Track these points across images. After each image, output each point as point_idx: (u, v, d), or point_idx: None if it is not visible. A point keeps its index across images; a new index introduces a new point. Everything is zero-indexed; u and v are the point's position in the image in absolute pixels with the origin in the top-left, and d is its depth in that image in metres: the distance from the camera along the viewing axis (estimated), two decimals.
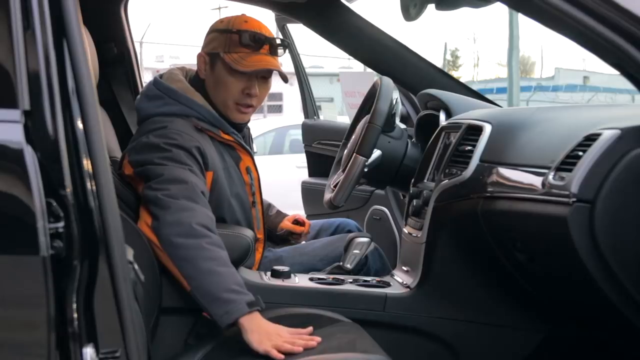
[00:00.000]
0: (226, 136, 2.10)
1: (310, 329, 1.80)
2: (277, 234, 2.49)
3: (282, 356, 1.69)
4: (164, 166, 1.93)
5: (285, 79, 2.13)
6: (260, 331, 1.74)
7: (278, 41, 2.12)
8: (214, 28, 2.14)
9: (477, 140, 1.93)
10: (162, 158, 1.94)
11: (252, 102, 2.11)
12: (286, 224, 2.50)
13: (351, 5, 2.80)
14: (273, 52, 2.11)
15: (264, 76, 2.12)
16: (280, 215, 2.53)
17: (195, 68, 2.20)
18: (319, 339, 1.74)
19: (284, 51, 2.15)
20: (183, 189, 1.89)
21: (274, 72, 2.12)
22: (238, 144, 2.13)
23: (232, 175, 2.10)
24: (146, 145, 1.98)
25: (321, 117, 3.97)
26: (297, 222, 2.52)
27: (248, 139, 2.27)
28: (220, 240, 1.87)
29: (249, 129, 2.31)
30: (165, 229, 1.84)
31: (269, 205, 2.53)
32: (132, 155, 2.00)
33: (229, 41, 2.08)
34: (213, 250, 1.82)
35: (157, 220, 1.86)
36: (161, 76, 2.16)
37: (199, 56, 2.14)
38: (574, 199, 1.45)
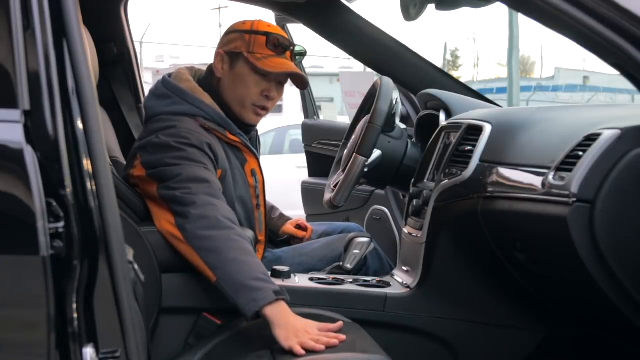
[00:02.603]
0: (233, 137, 2.10)
1: (339, 324, 1.80)
2: (278, 238, 2.49)
3: (304, 352, 1.67)
4: (180, 166, 1.93)
5: (304, 86, 2.16)
6: (288, 327, 1.72)
7: (299, 47, 2.16)
8: (236, 29, 2.15)
9: (477, 140, 1.93)
10: (176, 158, 1.95)
11: (269, 104, 2.14)
12: (288, 227, 2.50)
13: (351, 5, 2.80)
14: (294, 57, 2.14)
15: (281, 81, 2.14)
16: (283, 218, 2.53)
17: (203, 68, 2.20)
18: (343, 337, 1.72)
19: (302, 58, 2.18)
20: (204, 187, 1.91)
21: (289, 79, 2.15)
22: (244, 145, 2.13)
23: (237, 177, 2.11)
24: (158, 145, 1.98)
25: (321, 117, 3.97)
26: (299, 226, 2.52)
27: (255, 141, 2.27)
28: (245, 233, 1.91)
29: (256, 131, 2.31)
30: (192, 223, 1.86)
31: (272, 208, 2.53)
32: (144, 157, 2.00)
33: (254, 42, 2.08)
34: (239, 241, 1.85)
35: (182, 216, 1.88)
36: (170, 75, 2.16)
37: (217, 54, 2.14)
38: (574, 199, 1.45)
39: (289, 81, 2.17)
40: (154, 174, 1.97)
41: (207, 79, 2.15)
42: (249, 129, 2.19)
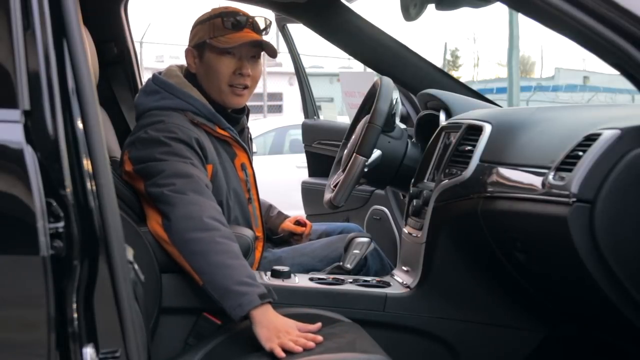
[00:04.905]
0: (222, 131, 2.11)
1: (317, 325, 1.82)
2: (278, 235, 2.49)
3: (284, 355, 1.69)
4: (165, 162, 1.94)
5: (273, 53, 2.15)
6: (270, 327, 1.75)
7: (261, 20, 2.16)
8: (197, 21, 2.18)
9: (477, 140, 1.93)
10: (163, 153, 1.95)
11: (246, 82, 2.14)
12: (287, 224, 2.50)
13: (351, 5, 2.80)
14: (257, 30, 2.15)
15: (254, 56, 2.15)
16: (282, 216, 2.53)
17: None
18: (320, 338, 1.74)
19: (268, 30, 2.18)
20: (188, 182, 1.90)
21: (264, 55, 2.16)
22: (234, 139, 2.14)
23: (227, 170, 2.11)
24: (146, 140, 1.99)
25: (321, 117, 3.97)
26: (298, 223, 2.52)
27: (247, 138, 2.27)
28: (231, 233, 1.89)
29: (248, 129, 2.31)
30: (176, 224, 1.85)
31: (270, 207, 2.53)
32: (132, 152, 2.01)
33: (213, 27, 2.11)
34: (224, 244, 1.84)
35: (167, 217, 1.87)
36: (160, 73, 2.18)
37: (187, 52, 2.18)
38: (574, 199, 1.45)
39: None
40: (141, 170, 1.97)
41: (189, 76, 2.17)
42: (238, 118, 2.20)
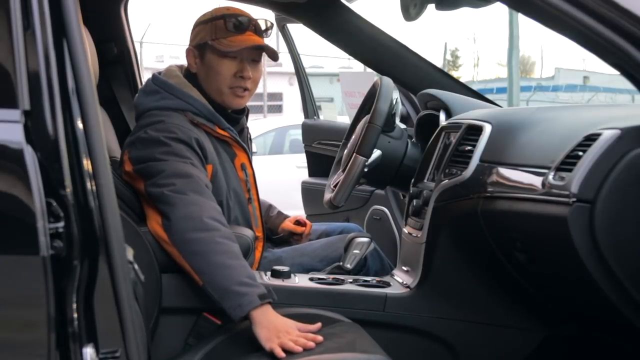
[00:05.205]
0: (222, 132, 2.11)
1: (317, 325, 1.82)
2: (278, 235, 2.49)
3: (284, 355, 1.69)
4: (165, 162, 1.94)
5: (275, 57, 2.15)
6: (270, 327, 1.75)
7: (262, 22, 2.16)
8: (199, 21, 2.18)
9: (477, 140, 1.93)
10: (162, 153, 1.95)
11: (247, 84, 2.14)
12: (287, 224, 2.50)
13: (351, 5, 2.80)
14: (259, 32, 2.15)
15: (255, 59, 2.15)
16: (282, 216, 2.53)
17: None
18: (320, 338, 1.74)
19: (269, 32, 2.18)
20: (188, 182, 1.90)
21: (264, 55, 2.16)
22: (234, 139, 2.14)
23: (227, 170, 2.11)
24: (145, 140, 1.99)
25: (321, 117, 3.97)
26: (298, 223, 2.52)
27: (246, 138, 2.27)
28: (231, 233, 1.89)
29: (248, 129, 2.31)
30: (176, 225, 1.85)
31: (270, 207, 2.53)
32: (132, 152, 2.01)
33: (215, 28, 2.11)
34: (224, 244, 1.84)
35: (167, 217, 1.88)
36: (159, 73, 2.18)
37: (188, 51, 2.18)
38: (574, 199, 1.45)
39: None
40: (141, 170, 1.97)
41: (189, 75, 2.17)
42: (237, 118, 2.20)
